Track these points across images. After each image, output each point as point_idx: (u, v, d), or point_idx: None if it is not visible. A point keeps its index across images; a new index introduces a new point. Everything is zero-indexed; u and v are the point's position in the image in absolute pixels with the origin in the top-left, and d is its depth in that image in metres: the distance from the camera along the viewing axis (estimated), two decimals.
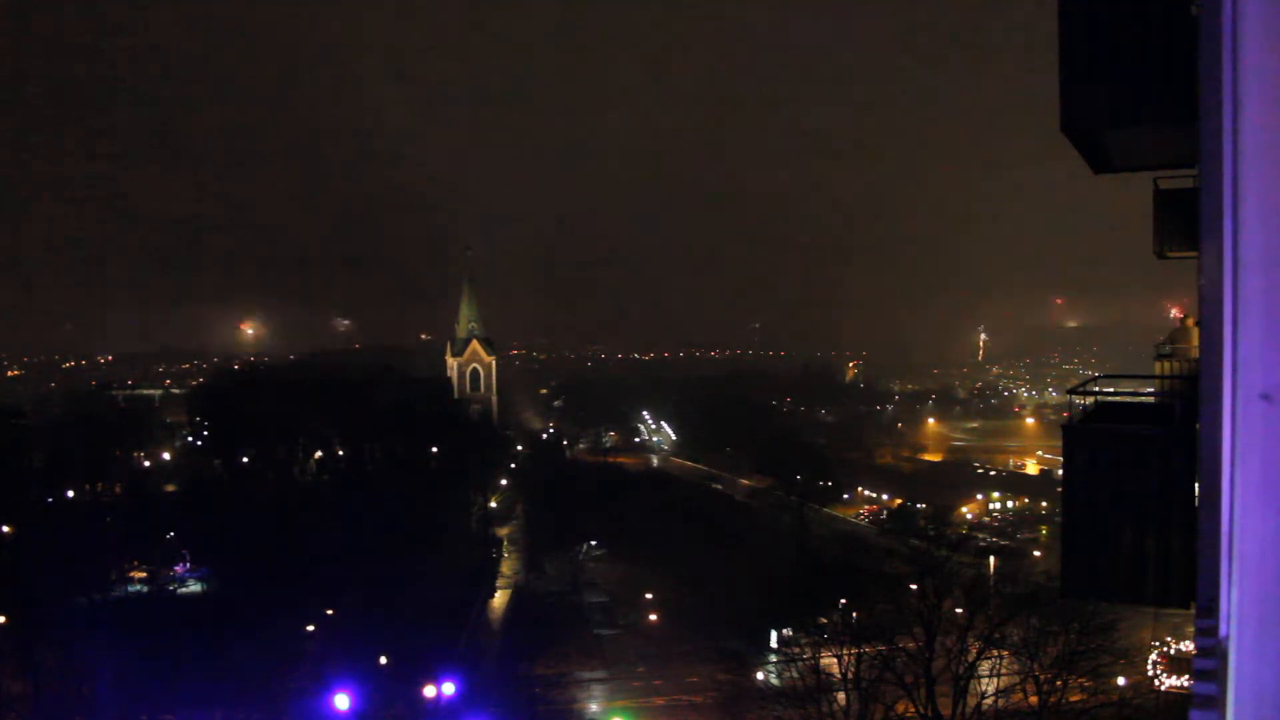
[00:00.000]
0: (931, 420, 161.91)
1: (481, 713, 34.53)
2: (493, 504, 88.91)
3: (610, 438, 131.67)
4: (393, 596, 49.38)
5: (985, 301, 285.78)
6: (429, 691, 32.40)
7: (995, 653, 37.21)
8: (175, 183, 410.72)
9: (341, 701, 28.06)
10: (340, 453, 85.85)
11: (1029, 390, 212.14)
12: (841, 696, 36.72)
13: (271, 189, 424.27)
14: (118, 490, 71.72)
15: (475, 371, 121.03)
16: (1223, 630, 3.33)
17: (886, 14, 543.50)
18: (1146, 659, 45.05)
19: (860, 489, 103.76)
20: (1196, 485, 7.39)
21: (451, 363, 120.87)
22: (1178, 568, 7.96)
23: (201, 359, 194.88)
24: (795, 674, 39.33)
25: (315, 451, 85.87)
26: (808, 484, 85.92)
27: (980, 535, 75.46)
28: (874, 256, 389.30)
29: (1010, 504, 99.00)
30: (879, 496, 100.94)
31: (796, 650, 41.74)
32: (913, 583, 41.14)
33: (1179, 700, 37.61)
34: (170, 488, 74.10)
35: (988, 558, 59.45)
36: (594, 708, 49.77)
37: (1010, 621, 36.62)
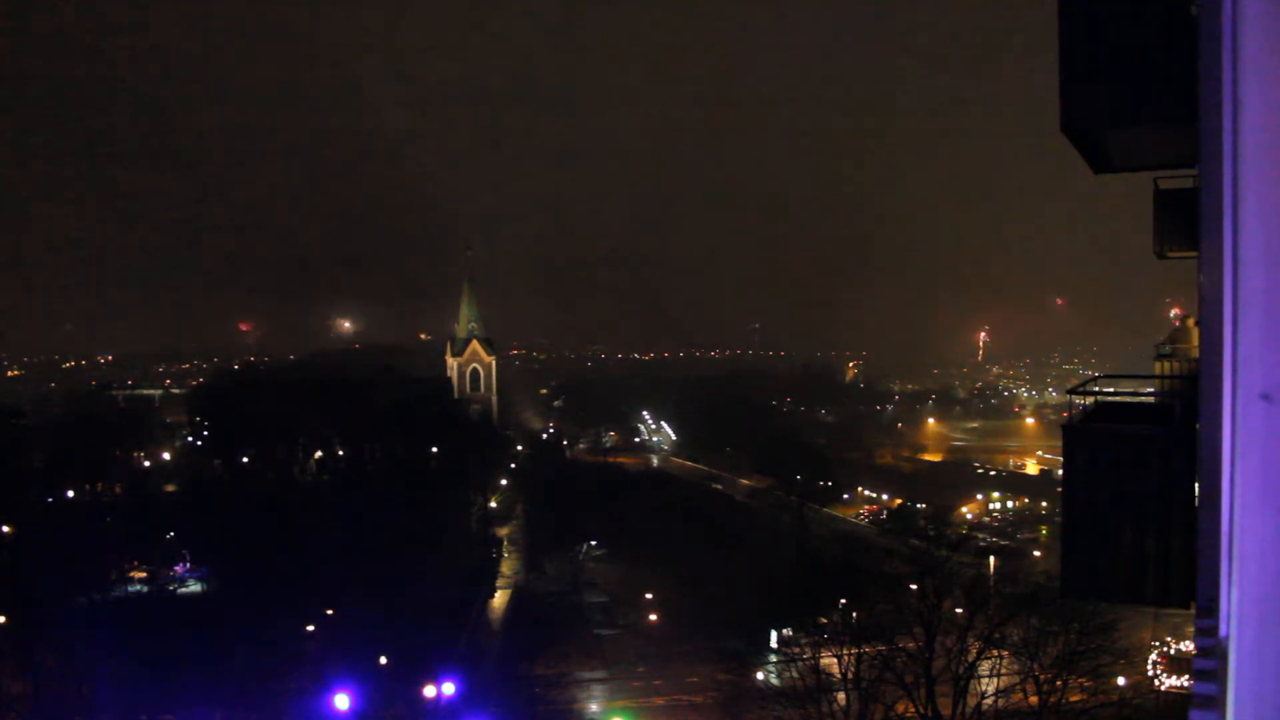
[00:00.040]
0: (931, 420, 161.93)
1: (481, 713, 34.53)
2: (493, 504, 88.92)
3: (610, 438, 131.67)
4: (393, 596, 49.36)
5: (985, 301, 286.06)
6: (429, 691, 32.40)
7: (995, 653, 37.21)
8: (175, 183, 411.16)
9: (341, 701, 28.06)
10: (340, 453, 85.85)
11: (1029, 390, 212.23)
12: (841, 696, 36.72)
13: (271, 189, 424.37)
14: (118, 490, 71.70)
15: (475, 371, 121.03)
16: (1223, 630, 3.33)
17: (887, 14, 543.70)
18: (1146, 659, 45.04)
19: (860, 489, 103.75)
20: (1196, 485, 7.39)
21: (451, 363, 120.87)
22: (1178, 568, 7.96)
23: (201, 359, 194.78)
24: (795, 674, 39.33)
25: (315, 451, 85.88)
26: (808, 484, 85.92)
27: (980, 535, 75.46)
28: (874, 256, 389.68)
29: (1010, 504, 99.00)
30: (879, 496, 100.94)
31: (796, 650, 41.74)
32: (913, 583, 41.15)
33: (1179, 700, 37.60)
34: (170, 488, 74.10)
35: (988, 558, 59.46)
36: (594, 708, 49.77)
37: (1010, 621, 36.63)
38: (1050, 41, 8.05)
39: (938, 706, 34.73)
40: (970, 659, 35.63)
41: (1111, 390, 10.98)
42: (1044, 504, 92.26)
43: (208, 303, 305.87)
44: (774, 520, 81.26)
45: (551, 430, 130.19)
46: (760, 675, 46.67)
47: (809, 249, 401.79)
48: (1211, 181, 3.90)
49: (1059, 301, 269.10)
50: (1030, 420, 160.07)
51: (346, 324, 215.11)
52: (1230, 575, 3.31)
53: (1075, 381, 11.06)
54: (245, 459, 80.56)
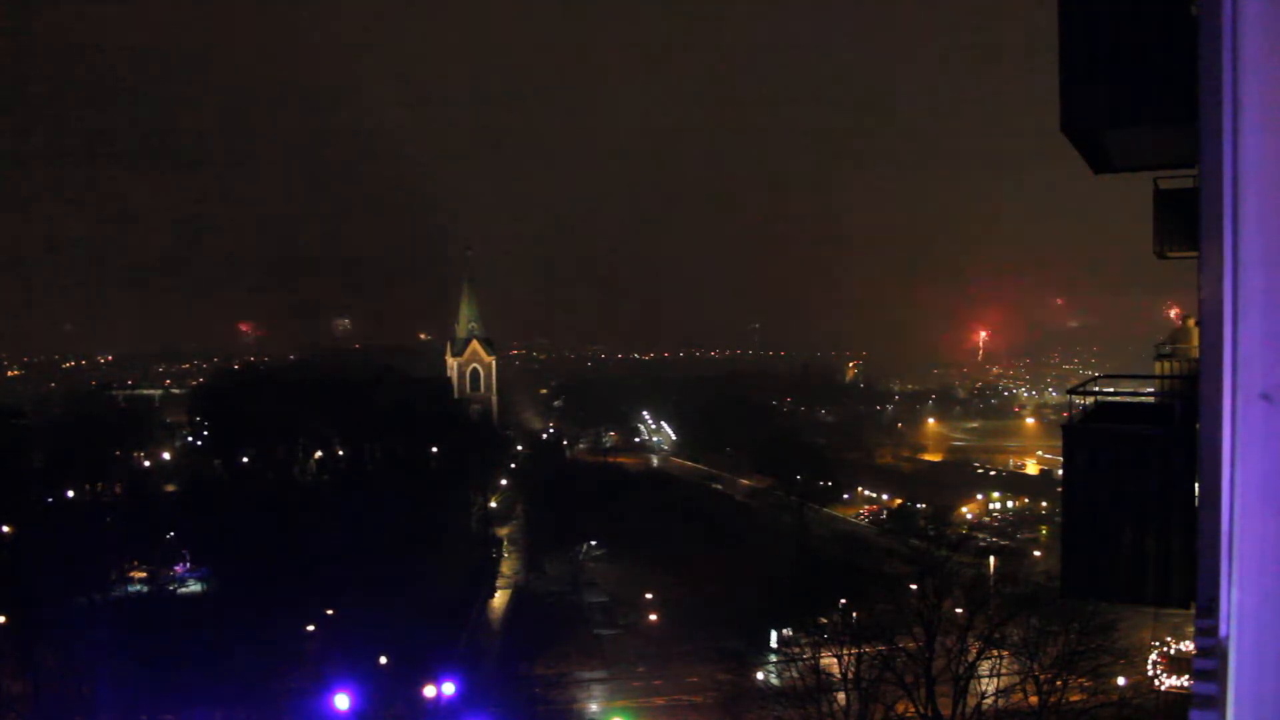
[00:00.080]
0: (931, 420, 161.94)
1: (481, 713, 34.54)
2: (493, 504, 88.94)
3: (610, 438, 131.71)
4: (393, 596, 49.34)
5: (985, 301, 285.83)
6: (429, 691, 32.40)
7: (995, 653, 37.21)
8: (175, 183, 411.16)
9: (341, 701, 28.07)
10: (340, 453, 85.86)
11: (1029, 390, 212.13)
12: (841, 696, 36.73)
13: (271, 189, 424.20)
14: (118, 490, 71.68)
15: (475, 371, 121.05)
16: (1223, 630, 3.33)
17: (887, 14, 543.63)
18: (1146, 659, 45.04)
19: (860, 489, 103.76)
20: (1196, 485, 7.40)
21: (451, 363, 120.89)
22: (1178, 568, 7.96)
23: (201, 359, 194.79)
24: (795, 674, 39.34)
25: (315, 451, 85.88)
26: (808, 484, 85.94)
27: (980, 535, 75.45)
28: (874, 256, 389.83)
29: (1010, 504, 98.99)
30: (879, 496, 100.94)
31: (796, 650, 41.74)
32: (913, 583, 41.17)
33: (1179, 700, 37.60)
34: (170, 488, 74.06)
35: (988, 558, 59.47)
36: (594, 708, 49.78)
37: (1010, 621, 36.64)
38: (1050, 41, 8.05)
39: (938, 706, 34.73)
40: (970, 659, 35.63)
41: (1111, 390, 10.99)
42: (1044, 504, 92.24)
43: (208, 303, 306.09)
44: (774, 520, 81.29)
45: (551, 430, 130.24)
46: (760, 675, 46.67)
47: (809, 249, 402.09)
48: (1211, 181, 3.90)
49: (1059, 301, 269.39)
50: (1030, 420, 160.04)
51: (346, 324, 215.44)
52: (1230, 575, 3.31)
53: (1075, 381, 11.07)
54: (245, 459, 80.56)
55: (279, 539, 49.78)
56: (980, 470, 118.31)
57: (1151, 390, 11.13)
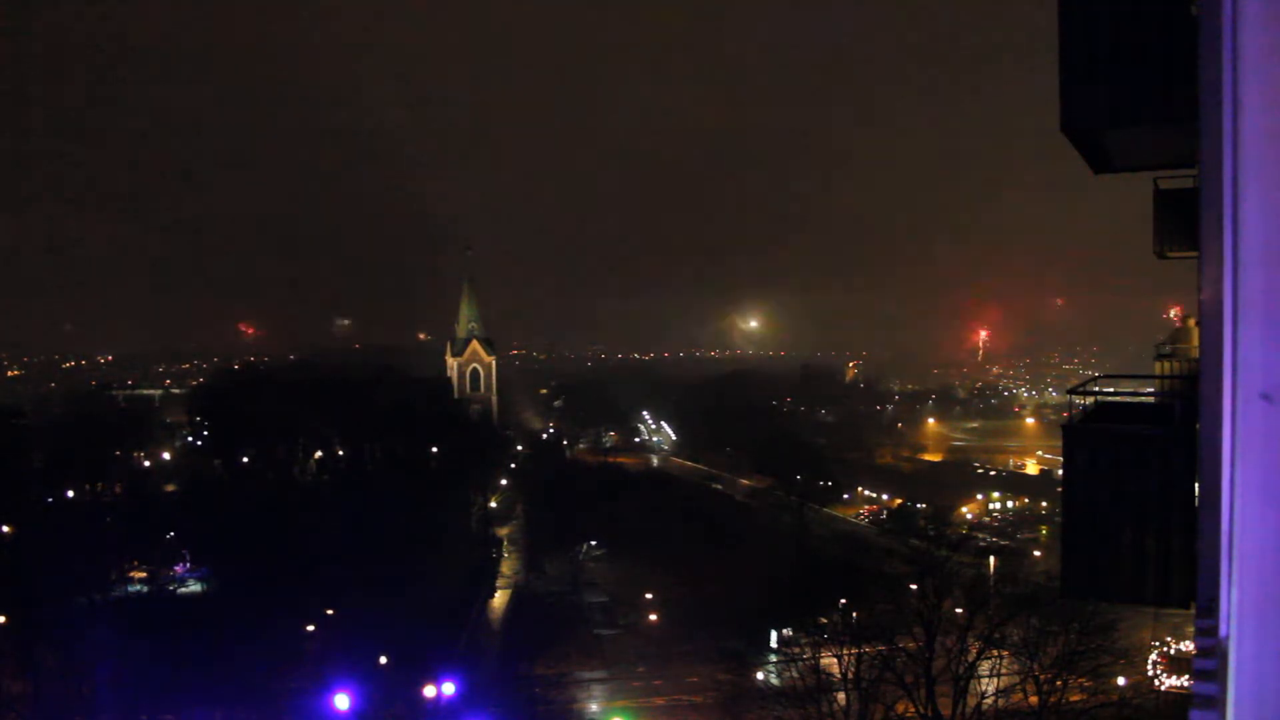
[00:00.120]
0: (931, 420, 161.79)
1: (481, 713, 34.54)
2: (493, 504, 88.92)
3: (610, 438, 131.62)
4: (393, 596, 49.35)
5: (985, 301, 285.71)
6: (429, 691, 32.42)
7: (995, 653, 37.21)
8: (175, 183, 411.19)
9: (341, 701, 28.08)
10: (340, 453, 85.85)
11: (1029, 390, 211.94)
12: (841, 696, 36.73)
13: (272, 189, 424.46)
14: (118, 490, 71.66)
15: (475, 371, 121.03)
16: (1223, 630, 3.33)
17: (887, 14, 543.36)
18: (1146, 659, 45.03)
19: (860, 489, 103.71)
20: (1196, 485, 7.39)
21: (451, 363, 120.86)
22: (1178, 568, 7.96)
23: (201, 359, 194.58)
24: (795, 674, 39.34)
25: (315, 451, 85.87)
26: (808, 484, 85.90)
27: (980, 535, 75.40)
28: (874, 256, 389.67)
29: (1010, 504, 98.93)
30: (879, 496, 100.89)
31: (796, 650, 41.74)
32: (913, 583, 41.14)
33: (1179, 700, 37.59)
34: (170, 488, 74.07)
35: (988, 558, 59.43)
36: (594, 708, 49.76)
37: (1010, 621, 36.64)
38: (1050, 41, 8.05)
39: (938, 706, 34.73)
40: (970, 659, 35.63)
41: (1111, 390, 10.99)
42: (1044, 504, 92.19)
43: (208, 303, 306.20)
44: (774, 520, 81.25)
45: (551, 430, 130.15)
46: (760, 675, 46.65)
47: (809, 249, 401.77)
48: (1211, 181, 3.89)
49: (1059, 301, 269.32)
50: (1030, 420, 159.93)
51: (346, 324, 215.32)
52: (1230, 575, 3.31)
53: (1075, 381, 11.06)
54: (245, 459, 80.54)
55: (279, 539, 49.78)
56: (980, 470, 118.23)
57: (1151, 390, 11.13)
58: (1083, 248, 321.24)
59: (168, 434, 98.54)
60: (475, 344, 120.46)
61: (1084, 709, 33.85)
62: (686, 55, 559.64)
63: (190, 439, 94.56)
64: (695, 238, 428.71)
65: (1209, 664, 3.64)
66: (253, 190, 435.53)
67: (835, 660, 38.23)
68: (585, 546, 76.98)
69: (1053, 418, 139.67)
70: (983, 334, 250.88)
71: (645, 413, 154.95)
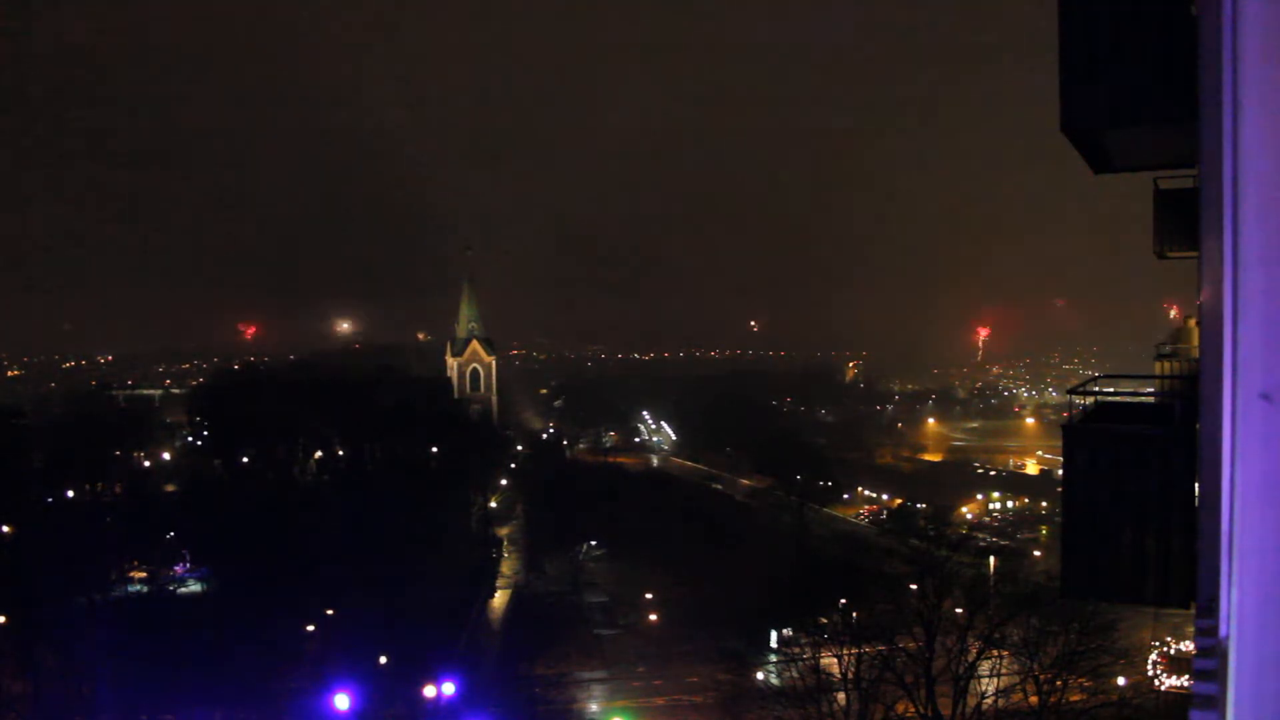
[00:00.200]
0: (931, 420, 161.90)
1: (481, 713, 34.55)
2: (493, 504, 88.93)
3: (610, 438, 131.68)
4: (393, 596, 49.38)
5: (985, 301, 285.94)
6: (429, 691, 32.43)
7: (995, 653, 37.21)
8: (175, 182, 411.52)
9: (341, 701, 28.08)
10: (340, 453, 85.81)
11: (1029, 390, 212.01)
12: (841, 696, 36.73)
13: (272, 189, 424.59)
14: (118, 490, 71.63)
15: (475, 371, 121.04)
16: (1223, 630, 3.33)
17: (887, 14, 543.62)
18: (1146, 659, 45.04)
19: (860, 489, 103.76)
20: (1196, 485, 7.40)
21: (451, 363, 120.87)
22: (1178, 568, 7.95)
23: (201, 359, 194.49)
24: (795, 674, 39.34)
25: (315, 451, 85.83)
26: (808, 484, 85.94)
27: (980, 535, 75.34)
28: (874, 256, 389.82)
29: (1010, 504, 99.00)
30: (879, 496, 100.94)
31: (796, 650, 41.73)
32: (913, 583, 41.11)
33: (1179, 700, 37.61)
34: (170, 488, 74.04)
35: (988, 558, 59.33)
36: (594, 708, 49.78)
37: (1010, 621, 36.62)
38: (1050, 41, 8.05)
39: (938, 706, 34.73)
40: (970, 659, 35.63)
41: (1111, 390, 10.98)
42: (1044, 504, 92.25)
43: (208, 303, 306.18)
44: (774, 520, 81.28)
45: (551, 430, 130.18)
46: (760, 675, 46.64)
47: (809, 249, 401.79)
48: (1211, 181, 3.90)
49: (1059, 301, 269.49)
50: (1030, 420, 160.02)
51: (346, 324, 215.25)
52: (1230, 575, 3.31)
53: (1075, 381, 11.06)
54: (245, 459, 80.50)
55: (279, 539, 49.77)
56: (980, 470, 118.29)
57: (1151, 390, 11.12)
58: (1083, 248, 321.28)
59: (168, 434, 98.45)
60: (475, 344, 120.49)
61: (1084, 709, 33.85)
62: (686, 55, 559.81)
63: (190, 439, 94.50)
64: (695, 237, 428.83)
65: (1209, 664, 3.65)
66: (253, 190, 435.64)
67: (835, 660, 38.23)
68: (585, 546, 77.00)
69: (1053, 418, 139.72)
70: (983, 334, 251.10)
71: (645, 413, 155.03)
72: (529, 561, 75.09)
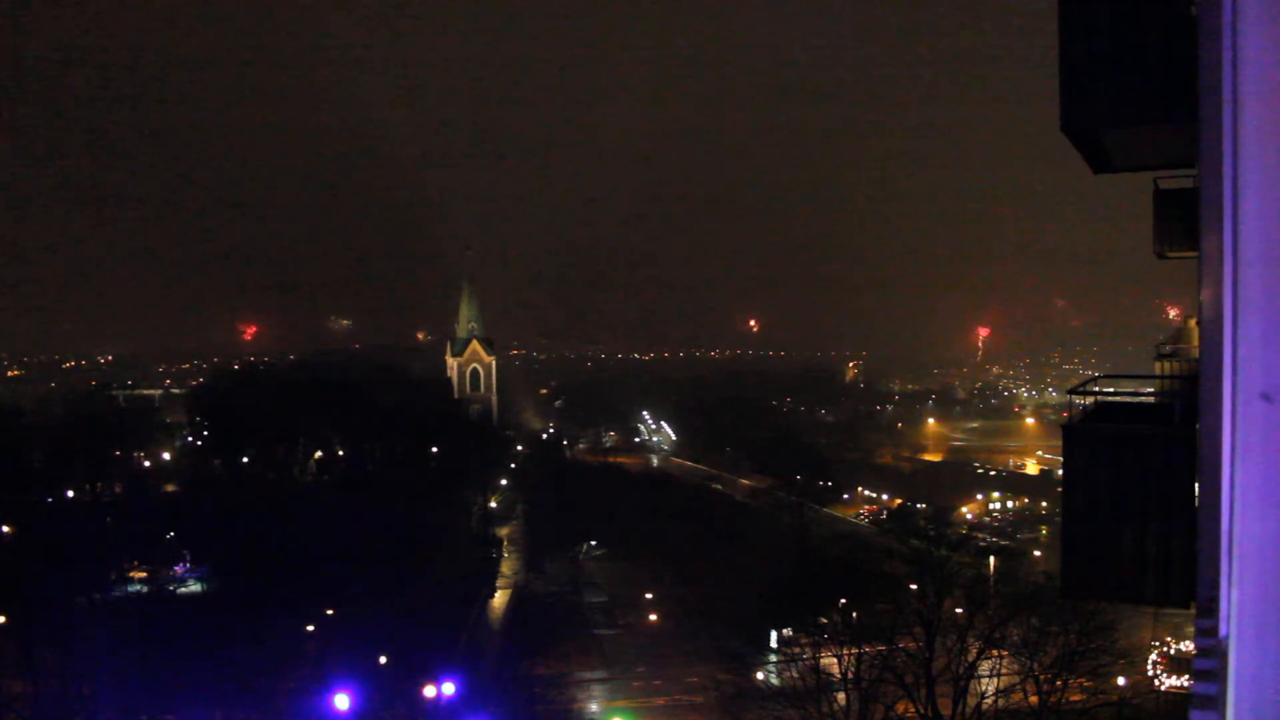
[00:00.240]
0: (931, 420, 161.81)
1: (481, 713, 34.56)
2: (493, 504, 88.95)
3: (610, 438, 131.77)
4: (393, 596, 49.35)
5: (985, 301, 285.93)
6: (429, 691, 32.46)
7: (995, 653, 37.20)
8: (175, 182, 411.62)
9: (341, 701, 28.11)
10: (340, 453, 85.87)
11: (1029, 390, 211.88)
12: (841, 696, 36.72)
13: (272, 189, 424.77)
14: (118, 490, 71.72)
15: (475, 371, 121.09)
16: (1223, 630, 3.34)
17: (887, 14, 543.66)
18: (1146, 659, 45.04)
19: (860, 489, 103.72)
20: (1196, 485, 7.39)
21: (451, 363, 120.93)
22: (1178, 568, 7.96)
23: (201, 359, 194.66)
24: (795, 674, 39.33)
25: (315, 452, 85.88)
26: (808, 484, 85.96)
27: (980, 535, 75.36)
28: (874, 256, 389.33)
29: (1010, 504, 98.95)
30: (879, 496, 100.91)
31: (796, 650, 41.74)
32: (913, 583, 41.13)
33: (1179, 700, 37.63)
34: (170, 488, 74.15)
35: (988, 558, 59.37)
36: (594, 708, 49.76)
37: (1010, 621, 36.62)
38: (1050, 41, 8.05)
39: (938, 706, 34.72)
40: (970, 659, 35.62)
41: (1111, 390, 10.99)
42: (1044, 504, 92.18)
43: (208, 303, 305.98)
44: (774, 520, 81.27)
45: (551, 430, 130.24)
46: (760, 675, 46.65)
47: (809, 249, 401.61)
48: (1211, 181, 3.90)
49: (1059, 302, 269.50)
50: (1030, 420, 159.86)
51: (346, 324, 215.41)
52: (1230, 575, 3.31)
53: (1075, 381, 11.07)
54: (245, 459, 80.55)
55: (279, 539, 49.75)
56: (980, 470, 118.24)
57: (1151, 390, 11.12)
58: (1083, 248, 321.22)
59: (168, 434, 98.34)
60: (475, 344, 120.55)
61: (1084, 709, 33.84)
62: (686, 56, 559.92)
63: (190, 439, 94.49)
64: (695, 237, 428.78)
65: (1209, 664, 3.65)
66: (252, 190, 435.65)
67: (835, 660, 38.22)
68: (585, 546, 77.02)
69: (1053, 418, 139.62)
70: (983, 334, 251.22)
71: (645, 413, 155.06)
72: (529, 561, 75.09)
